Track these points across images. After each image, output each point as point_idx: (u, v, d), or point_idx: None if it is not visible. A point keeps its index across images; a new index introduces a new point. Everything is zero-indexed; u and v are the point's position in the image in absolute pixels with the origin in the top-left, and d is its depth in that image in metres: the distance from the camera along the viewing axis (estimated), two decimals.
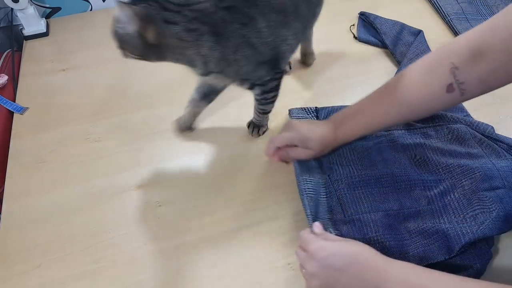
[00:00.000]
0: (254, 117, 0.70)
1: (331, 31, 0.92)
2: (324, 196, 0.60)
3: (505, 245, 0.58)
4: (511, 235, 0.57)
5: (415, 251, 0.53)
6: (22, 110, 0.75)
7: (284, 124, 0.65)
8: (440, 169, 0.61)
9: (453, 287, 0.43)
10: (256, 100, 0.65)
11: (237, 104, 0.76)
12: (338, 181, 0.61)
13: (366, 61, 0.86)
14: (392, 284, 0.45)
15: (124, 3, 0.45)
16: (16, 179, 0.66)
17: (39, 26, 0.90)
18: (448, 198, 0.58)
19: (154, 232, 0.60)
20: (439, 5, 0.95)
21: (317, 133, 0.61)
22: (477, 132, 0.67)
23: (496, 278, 0.54)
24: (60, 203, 0.63)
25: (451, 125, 0.67)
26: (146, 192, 0.64)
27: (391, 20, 0.92)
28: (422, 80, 0.55)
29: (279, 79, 0.62)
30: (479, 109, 0.73)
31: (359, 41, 0.90)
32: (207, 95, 0.67)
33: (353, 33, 0.91)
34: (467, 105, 0.74)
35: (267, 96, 0.63)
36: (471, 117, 0.72)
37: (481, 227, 0.53)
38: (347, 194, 0.59)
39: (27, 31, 0.89)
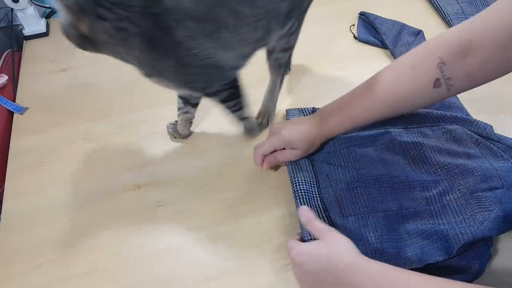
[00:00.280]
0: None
1: (331, 31, 0.92)
2: (318, 197, 0.60)
3: (504, 245, 0.58)
4: (510, 235, 0.57)
5: (414, 252, 0.53)
6: (22, 110, 0.75)
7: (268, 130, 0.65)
8: (439, 169, 0.61)
9: (427, 283, 0.42)
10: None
11: None
12: (337, 181, 0.61)
13: (366, 61, 0.86)
14: (364, 282, 0.44)
15: None
16: (16, 179, 0.66)
17: (39, 26, 0.90)
18: (447, 198, 0.58)
19: (154, 232, 0.60)
20: (439, 5, 0.95)
21: (301, 132, 0.61)
22: (475, 133, 0.67)
23: (495, 279, 0.54)
24: (60, 203, 0.63)
25: (447, 126, 0.67)
26: (146, 192, 0.64)
27: (391, 20, 0.92)
28: (409, 74, 0.55)
29: (231, 89, 0.60)
30: (479, 109, 0.73)
31: (359, 41, 0.90)
32: (188, 99, 0.65)
33: (353, 33, 0.91)
34: (467, 105, 0.74)
35: (227, 105, 0.62)
36: (471, 117, 0.72)
37: (480, 228, 0.53)
38: (346, 194, 0.59)
39: (27, 31, 0.89)
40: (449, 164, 0.61)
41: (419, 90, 0.55)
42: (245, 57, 0.58)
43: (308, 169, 0.64)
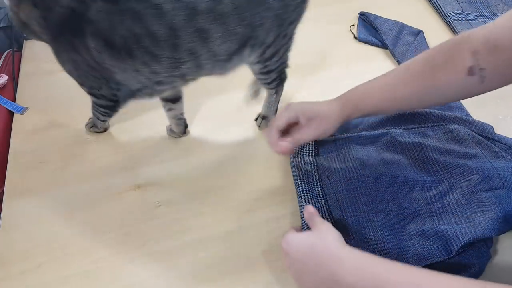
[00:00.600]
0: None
1: (331, 31, 0.92)
2: (322, 198, 0.60)
3: (504, 245, 0.58)
4: (510, 235, 0.57)
5: (414, 252, 0.53)
6: (22, 110, 0.75)
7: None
8: (439, 169, 0.61)
9: (408, 277, 0.42)
10: None
11: (237, 104, 0.77)
12: (337, 182, 0.61)
13: (366, 61, 0.86)
14: (347, 270, 0.44)
15: None
16: (16, 179, 0.66)
17: None
18: (447, 198, 0.58)
19: (154, 232, 0.60)
20: (439, 5, 0.95)
21: (316, 103, 0.60)
22: (476, 133, 0.67)
23: (495, 279, 0.54)
24: (60, 203, 0.63)
25: (449, 126, 0.67)
26: (146, 192, 0.64)
27: (391, 20, 0.92)
28: (445, 59, 0.54)
29: (114, 102, 0.62)
30: (479, 109, 0.73)
31: (359, 41, 0.90)
32: (164, 97, 0.66)
33: (353, 33, 0.91)
34: (467, 105, 0.74)
35: (97, 107, 0.65)
36: (471, 117, 0.72)
37: (480, 228, 0.53)
38: (346, 195, 0.59)
39: None
40: (449, 164, 0.61)
41: (453, 75, 0.54)
42: (162, 84, 0.58)
43: (313, 172, 0.63)
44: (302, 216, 0.59)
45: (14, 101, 0.77)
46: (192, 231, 0.60)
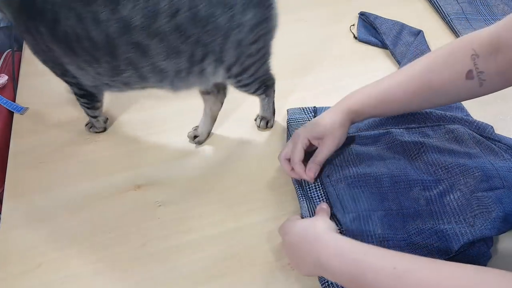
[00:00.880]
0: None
1: (331, 31, 0.92)
2: (323, 198, 0.60)
3: (504, 245, 0.58)
4: (510, 235, 0.57)
5: (414, 252, 0.53)
6: (22, 110, 0.75)
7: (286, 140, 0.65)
8: (439, 169, 0.61)
9: (387, 260, 0.43)
10: None
11: (237, 104, 0.77)
12: (337, 180, 0.61)
13: (366, 61, 0.86)
14: (330, 254, 0.46)
15: None
16: (16, 179, 0.66)
17: None
18: (447, 198, 0.58)
19: (154, 232, 0.60)
20: (439, 5, 0.95)
21: (320, 117, 0.61)
22: (476, 132, 0.67)
23: None
24: (60, 203, 0.63)
25: (449, 126, 0.67)
26: (146, 192, 0.64)
27: (391, 20, 0.92)
28: (443, 61, 0.55)
29: (85, 91, 0.63)
30: (479, 109, 0.73)
31: (359, 41, 0.90)
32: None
33: (353, 33, 0.91)
34: (467, 105, 0.74)
35: (78, 99, 0.66)
36: (471, 117, 0.72)
37: (480, 228, 0.53)
38: (346, 193, 0.59)
39: None
40: (449, 164, 0.61)
41: (452, 79, 0.54)
42: (111, 86, 0.59)
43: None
44: (302, 217, 0.59)
45: (14, 101, 0.77)
46: (192, 231, 0.60)
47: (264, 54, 0.60)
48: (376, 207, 0.57)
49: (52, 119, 0.74)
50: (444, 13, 0.94)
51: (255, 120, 0.74)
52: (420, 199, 0.59)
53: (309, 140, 0.61)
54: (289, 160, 0.62)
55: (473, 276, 0.39)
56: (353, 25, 0.93)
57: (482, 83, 0.53)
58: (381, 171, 0.61)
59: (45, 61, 0.60)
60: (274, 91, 0.69)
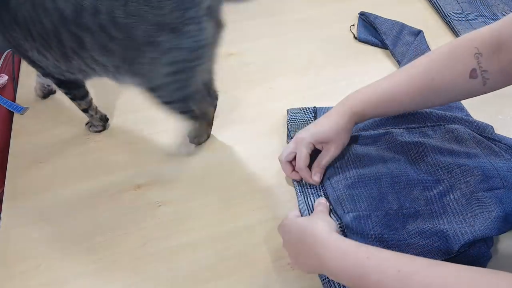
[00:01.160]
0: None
1: (331, 31, 0.92)
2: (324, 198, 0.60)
3: (504, 245, 0.58)
4: (511, 235, 0.57)
5: (414, 251, 0.53)
6: (22, 110, 0.75)
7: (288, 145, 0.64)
8: (439, 169, 0.61)
9: (391, 262, 0.43)
10: None
11: (237, 104, 0.77)
12: (338, 182, 0.61)
13: (366, 61, 0.86)
14: (331, 256, 0.46)
15: None
16: (16, 179, 0.66)
17: None
18: (447, 198, 0.58)
19: (154, 232, 0.60)
20: (439, 5, 0.95)
21: (326, 125, 0.61)
22: (476, 132, 0.67)
23: None
24: (60, 203, 0.63)
25: (449, 126, 0.67)
26: (146, 192, 0.64)
27: (391, 20, 0.92)
28: (446, 61, 0.55)
29: (60, 81, 0.64)
30: (479, 109, 0.73)
31: (359, 41, 0.90)
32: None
33: (353, 33, 0.91)
34: (467, 105, 0.74)
35: (61, 90, 0.67)
36: (471, 117, 0.72)
37: (481, 228, 0.53)
38: (346, 192, 0.59)
39: None
40: (449, 164, 0.61)
41: (454, 78, 0.54)
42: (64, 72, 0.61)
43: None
44: (300, 212, 0.59)
45: (14, 101, 0.77)
46: (192, 231, 0.60)
47: (182, 80, 0.57)
48: (376, 207, 0.57)
49: (52, 119, 0.74)
50: (444, 13, 0.94)
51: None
52: (420, 199, 0.59)
53: (314, 146, 0.61)
54: (290, 162, 0.62)
55: (478, 278, 0.39)
56: (353, 25, 0.93)
57: (486, 82, 0.52)
58: (381, 171, 0.61)
59: (10, 47, 0.61)
60: (208, 121, 0.68)
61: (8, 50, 0.86)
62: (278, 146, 0.70)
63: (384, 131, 0.67)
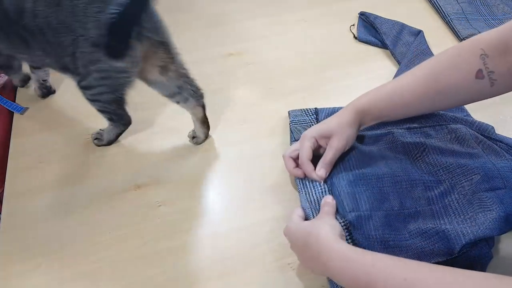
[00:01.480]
0: None
1: (331, 31, 0.92)
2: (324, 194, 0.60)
3: (505, 245, 0.58)
4: (511, 235, 0.57)
5: (415, 251, 0.53)
6: (22, 110, 0.75)
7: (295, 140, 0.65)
8: (440, 170, 0.61)
9: (396, 271, 0.43)
10: None
11: (237, 104, 0.77)
12: (339, 179, 0.61)
13: (366, 61, 0.86)
14: (334, 265, 0.46)
15: None
16: (16, 179, 0.66)
17: None
18: (448, 198, 0.58)
19: (154, 232, 0.60)
20: (439, 5, 0.95)
21: (330, 122, 0.61)
22: (477, 132, 0.67)
23: None
24: (60, 203, 0.63)
25: (451, 125, 0.67)
26: (146, 192, 0.64)
27: (391, 20, 0.92)
28: (451, 62, 0.55)
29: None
30: (479, 109, 0.73)
31: (359, 41, 0.90)
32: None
33: (353, 33, 0.91)
34: (467, 105, 0.74)
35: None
36: (471, 117, 0.72)
37: (482, 227, 0.53)
38: (347, 190, 0.58)
39: None
40: (451, 165, 0.61)
41: (460, 79, 0.54)
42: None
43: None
44: (302, 208, 0.59)
45: (14, 101, 0.77)
46: (192, 231, 0.60)
47: (110, 85, 0.61)
48: (377, 207, 0.57)
49: (52, 119, 0.74)
50: (444, 13, 0.94)
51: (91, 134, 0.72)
52: (422, 199, 0.59)
53: (316, 140, 0.61)
54: (293, 159, 0.62)
55: (484, 285, 0.39)
56: (353, 25, 0.93)
57: (493, 83, 0.52)
58: (383, 171, 0.61)
59: None
60: (123, 128, 0.69)
61: None
62: (278, 146, 0.70)
63: (386, 131, 0.67)
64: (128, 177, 0.66)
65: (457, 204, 0.57)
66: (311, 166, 0.60)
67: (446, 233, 0.53)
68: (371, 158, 0.63)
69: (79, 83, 0.61)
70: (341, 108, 0.70)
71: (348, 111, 0.61)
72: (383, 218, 0.56)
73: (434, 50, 0.83)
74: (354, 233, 0.54)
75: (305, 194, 0.60)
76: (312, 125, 0.68)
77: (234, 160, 0.69)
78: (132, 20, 0.54)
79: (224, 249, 0.58)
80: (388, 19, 0.92)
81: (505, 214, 0.54)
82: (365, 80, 0.80)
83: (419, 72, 0.58)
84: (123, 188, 0.65)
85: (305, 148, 0.60)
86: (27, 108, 0.76)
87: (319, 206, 0.58)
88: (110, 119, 0.67)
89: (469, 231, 0.53)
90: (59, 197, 0.64)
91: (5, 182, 0.66)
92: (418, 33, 0.88)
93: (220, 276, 0.56)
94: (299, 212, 0.58)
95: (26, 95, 0.79)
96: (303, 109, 0.73)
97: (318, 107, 0.73)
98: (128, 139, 0.72)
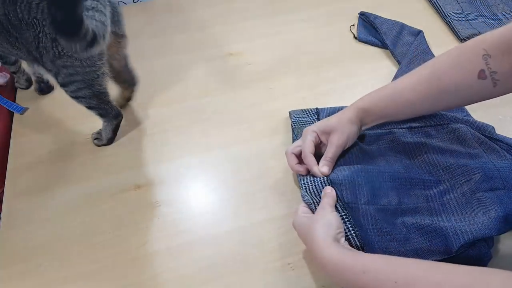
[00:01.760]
0: None
1: (331, 31, 0.92)
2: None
3: (505, 245, 0.58)
4: (511, 235, 0.57)
5: (412, 247, 0.53)
6: (22, 110, 0.75)
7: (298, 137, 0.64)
8: (441, 170, 0.61)
9: (388, 274, 0.44)
10: None
11: (237, 104, 0.77)
12: (340, 170, 0.60)
13: (366, 61, 0.86)
14: (327, 270, 0.48)
15: None
16: (16, 179, 0.66)
17: None
18: (447, 197, 0.58)
19: (154, 232, 0.60)
20: (439, 5, 0.95)
21: (332, 118, 0.62)
22: (478, 132, 0.67)
23: None
24: (60, 203, 0.63)
25: (452, 125, 0.67)
26: (146, 192, 0.64)
27: (391, 20, 0.92)
28: (454, 62, 0.55)
29: None
30: (479, 109, 0.73)
31: (359, 41, 0.90)
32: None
33: (353, 33, 0.91)
34: (468, 105, 0.74)
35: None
36: (472, 117, 0.72)
37: (480, 227, 0.53)
38: (348, 181, 0.58)
39: None
40: (451, 165, 0.61)
41: (462, 79, 0.54)
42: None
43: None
44: (304, 201, 0.59)
45: (14, 101, 0.77)
46: (192, 231, 0.60)
47: (83, 81, 0.61)
48: (376, 202, 0.57)
49: (52, 119, 0.75)
50: (444, 13, 0.94)
51: (91, 134, 0.72)
52: (420, 197, 0.59)
53: (318, 135, 0.62)
54: (296, 156, 0.62)
55: (472, 282, 0.39)
56: (353, 25, 0.93)
57: (496, 83, 0.52)
58: (384, 168, 0.61)
59: None
60: (115, 122, 0.69)
61: None
62: (278, 146, 0.70)
63: (386, 130, 0.67)
64: (128, 177, 0.66)
65: (455, 202, 0.57)
66: (313, 159, 0.61)
67: (444, 231, 0.53)
68: (371, 157, 0.63)
69: (58, 82, 0.61)
70: (342, 108, 0.71)
71: (349, 109, 0.62)
72: (381, 212, 0.56)
73: (434, 50, 0.83)
74: (353, 226, 0.54)
75: (306, 188, 0.60)
76: None
77: (234, 160, 0.69)
78: None
79: (224, 249, 0.58)
80: (388, 19, 0.92)
81: (504, 214, 0.54)
82: (365, 80, 0.80)
83: (422, 72, 0.58)
84: (123, 188, 0.65)
85: (307, 141, 0.61)
86: (27, 108, 0.76)
87: (320, 197, 0.57)
88: (100, 115, 0.67)
89: (468, 230, 0.52)
90: (59, 197, 0.64)
91: (5, 182, 0.66)
92: (418, 33, 0.88)
93: (220, 276, 0.56)
94: (304, 204, 0.59)
95: (26, 95, 0.79)
96: (304, 109, 0.73)
97: (319, 107, 0.73)
98: (127, 139, 0.72)
